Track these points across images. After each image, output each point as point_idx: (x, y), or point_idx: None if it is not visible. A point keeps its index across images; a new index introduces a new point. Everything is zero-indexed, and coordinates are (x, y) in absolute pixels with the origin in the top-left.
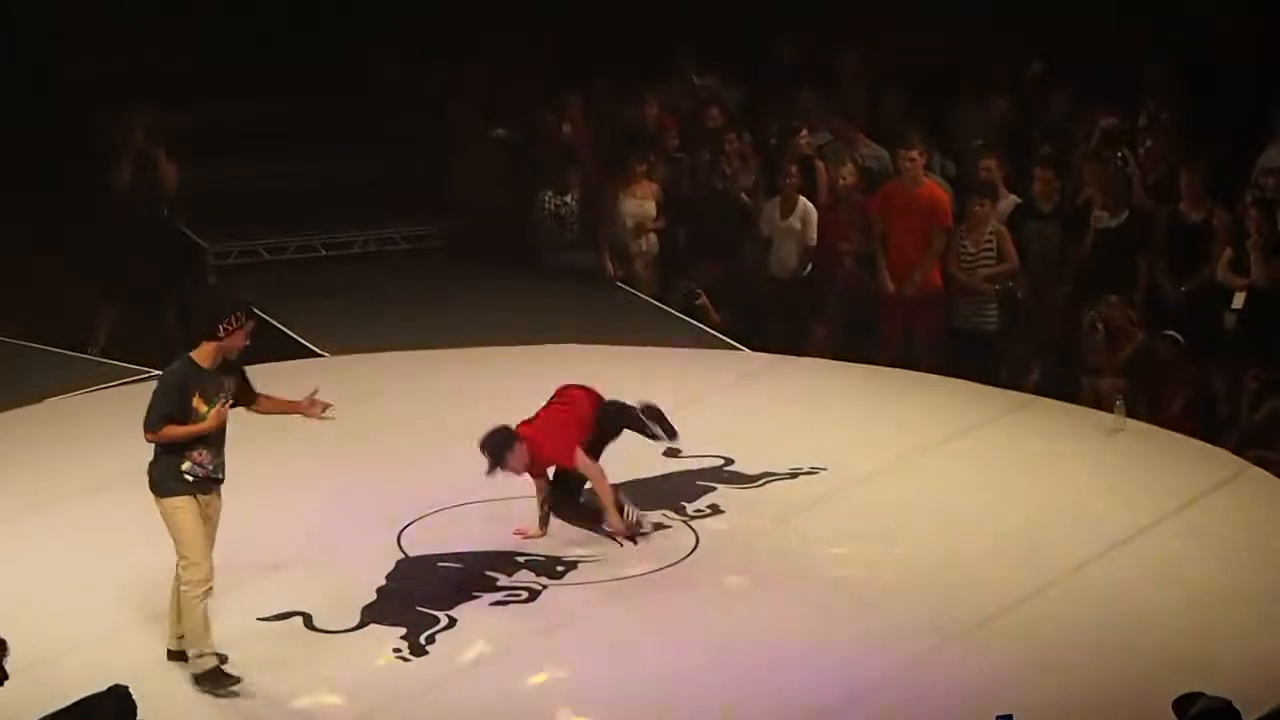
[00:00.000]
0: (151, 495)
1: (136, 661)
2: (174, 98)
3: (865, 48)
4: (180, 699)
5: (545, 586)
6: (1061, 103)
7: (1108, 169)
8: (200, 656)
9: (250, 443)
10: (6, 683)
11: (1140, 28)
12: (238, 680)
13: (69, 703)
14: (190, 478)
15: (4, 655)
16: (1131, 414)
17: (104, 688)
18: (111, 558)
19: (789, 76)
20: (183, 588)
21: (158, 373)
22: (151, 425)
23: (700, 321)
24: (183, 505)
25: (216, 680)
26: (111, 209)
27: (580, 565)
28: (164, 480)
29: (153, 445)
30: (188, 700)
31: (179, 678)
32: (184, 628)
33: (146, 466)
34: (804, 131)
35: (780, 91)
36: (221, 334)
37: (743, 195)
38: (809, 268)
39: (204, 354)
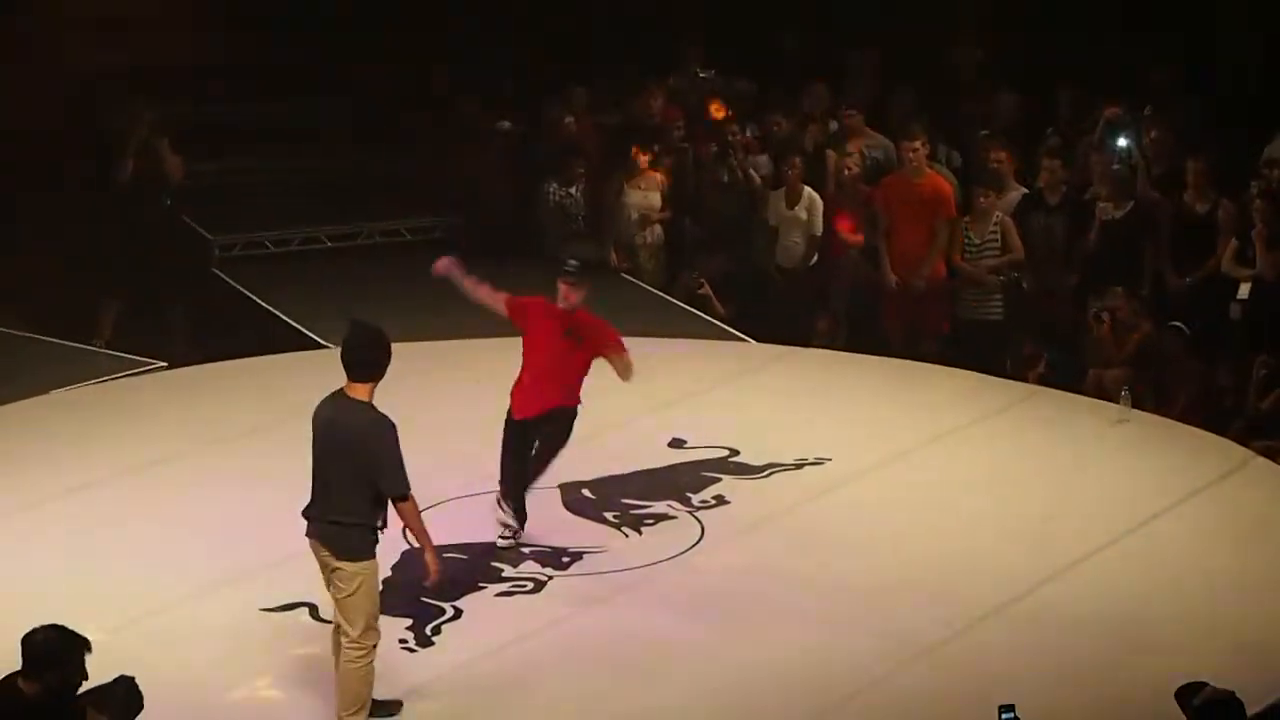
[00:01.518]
0: (339, 558)
1: (140, 655)
2: (178, 91)
3: (873, 40)
4: (184, 692)
5: (550, 577)
6: (1067, 94)
7: (1112, 160)
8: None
9: (254, 435)
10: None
11: (1145, 20)
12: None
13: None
14: (374, 538)
15: (87, 652)
16: (1137, 405)
17: (110, 679)
18: (115, 551)
19: (795, 69)
20: (356, 655)
21: (162, 364)
22: (407, 485)
23: (705, 312)
24: (373, 569)
25: None
26: (115, 201)
27: (585, 556)
28: (362, 542)
29: (342, 507)
30: (193, 694)
31: (182, 671)
32: (348, 696)
33: (329, 526)
34: (816, 126)
35: (787, 84)
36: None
37: (755, 178)
38: (815, 257)
39: (369, 393)
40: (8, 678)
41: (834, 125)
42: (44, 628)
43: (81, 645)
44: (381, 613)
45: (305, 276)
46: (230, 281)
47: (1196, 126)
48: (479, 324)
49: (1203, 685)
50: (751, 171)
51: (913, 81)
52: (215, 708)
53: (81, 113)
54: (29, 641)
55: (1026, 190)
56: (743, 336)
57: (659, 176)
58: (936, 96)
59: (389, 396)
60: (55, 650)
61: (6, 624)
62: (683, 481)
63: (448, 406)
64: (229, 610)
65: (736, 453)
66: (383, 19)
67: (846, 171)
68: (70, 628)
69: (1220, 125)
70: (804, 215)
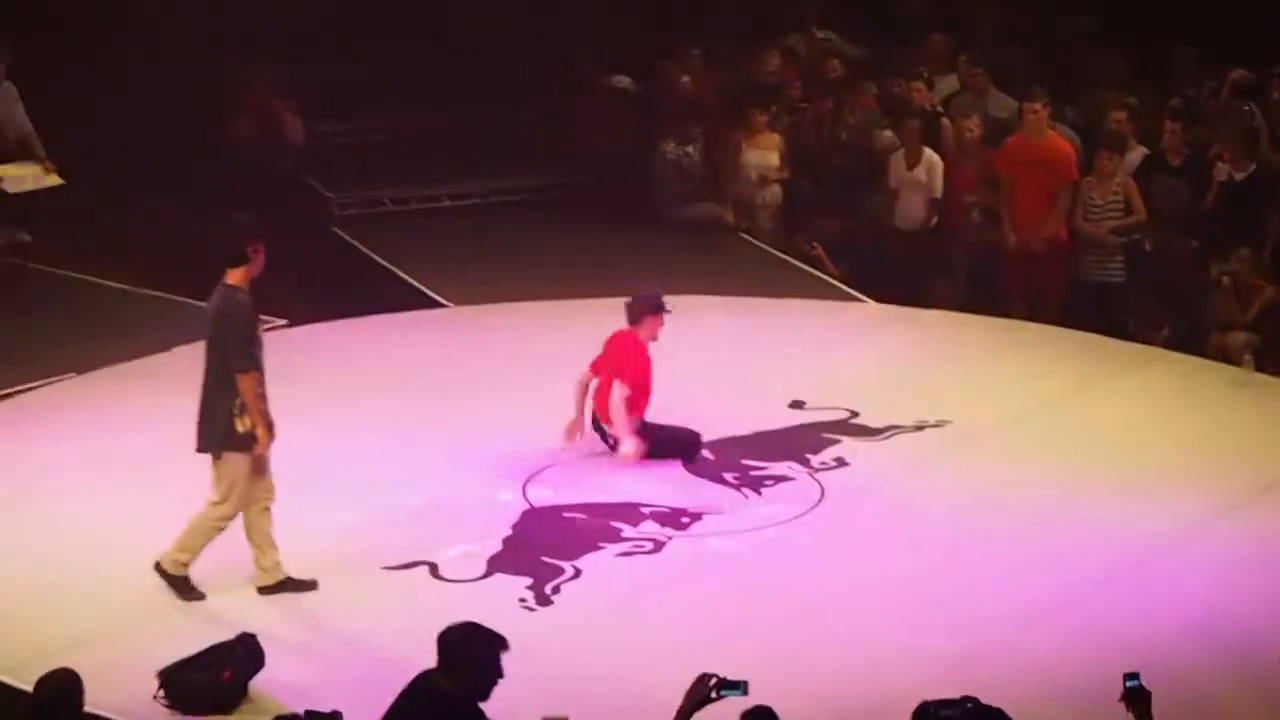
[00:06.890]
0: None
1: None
2: (297, 51)
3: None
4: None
5: (670, 538)
6: (1189, 55)
7: (1237, 121)
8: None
9: (374, 394)
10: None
11: None
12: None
13: (198, 650)
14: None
15: (503, 650)
16: (1260, 369)
17: (232, 636)
18: None
19: (917, 27)
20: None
21: (283, 322)
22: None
23: (818, 273)
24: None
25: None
26: (236, 161)
27: (705, 517)
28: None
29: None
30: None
31: (302, 626)
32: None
33: (207, 421)
34: (921, 84)
35: (907, 43)
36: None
37: (881, 141)
38: (934, 220)
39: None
40: (426, 672)
41: (954, 81)
42: (459, 625)
43: (497, 645)
44: (502, 571)
45: (424, 235)
46: (350, 240)
47: None
48: (595, 284)
49: None
50: (878, 131)
51: (1033, 40)
52: (312, 672)
53: (203, 74)
54: (443, 639)
55: (1148, 151)
56: (861, 297)
57: (776, 136)
58: (1058, 56)
59: (511, 354)
60: (467, 649)
61: (128, 580)
62: (803, 443)
63: (565, 365)
64: (352, 568)
65: (856, 414)
66: None
67: (968, 134)
68: (486, 626)
69: None
70: (924, 177)
